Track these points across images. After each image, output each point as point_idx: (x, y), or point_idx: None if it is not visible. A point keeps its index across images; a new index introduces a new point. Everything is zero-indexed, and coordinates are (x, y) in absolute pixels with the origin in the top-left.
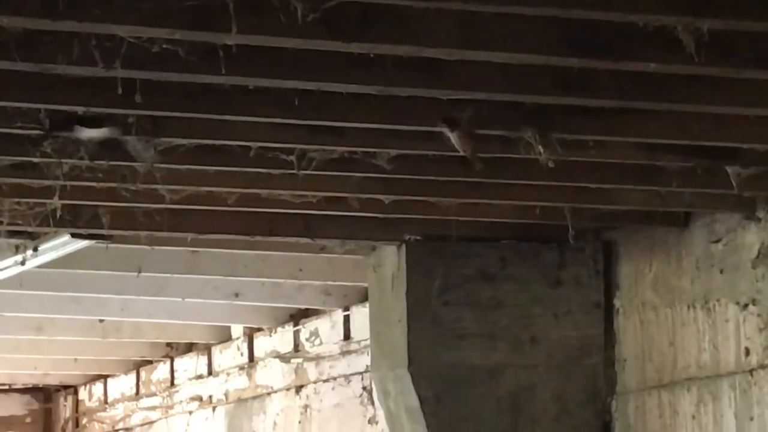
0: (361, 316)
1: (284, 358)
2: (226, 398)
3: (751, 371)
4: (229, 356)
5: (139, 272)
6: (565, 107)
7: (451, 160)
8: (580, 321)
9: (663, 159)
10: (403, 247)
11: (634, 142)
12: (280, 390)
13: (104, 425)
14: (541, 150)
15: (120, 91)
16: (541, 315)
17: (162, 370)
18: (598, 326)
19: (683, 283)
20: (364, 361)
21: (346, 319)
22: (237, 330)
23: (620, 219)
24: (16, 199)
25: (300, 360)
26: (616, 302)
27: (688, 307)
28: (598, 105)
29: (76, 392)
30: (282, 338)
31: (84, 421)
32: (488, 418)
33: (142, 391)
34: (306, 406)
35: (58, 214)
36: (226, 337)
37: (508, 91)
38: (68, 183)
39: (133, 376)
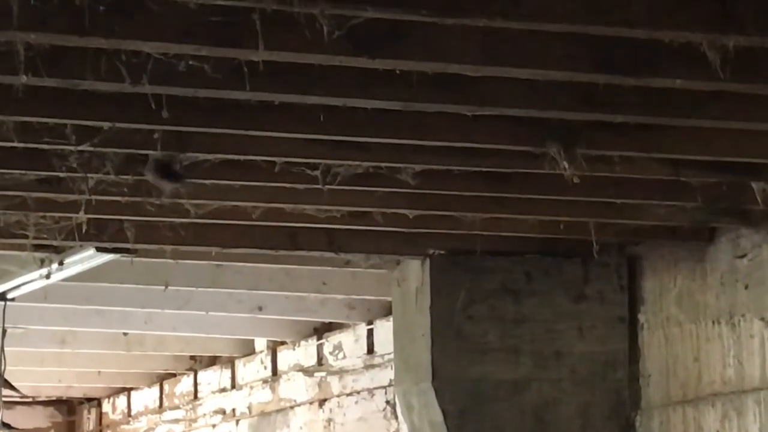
0: (384, 330)
1: (308, 372)
2: (250, 411)
3: None
4: (252, 369)
5: (167, 286)
6: (590, 123)
7: (475, 175)
8: (605, 336)
9: (687, 174)
10: (427, 261)
11: (659, 157)
12: (304, 403)
13: None
14: (566, 165)
15: (152, 106)
16: (566, 330)
17: (185, 383)
18: (622, 341)
19: (708, 299)
20: (387, 375)
21: (370, 333)
22: (260, 343)
23: (645, 234)
24: (42, 213)
25: (323, 373)
26: (641, 317)
27: (713, 323)
28: (623, 121)
29: (99, 405)
30: (305, 352)
31: None
32: (512, 431)
33: (166, 404)
34: (329, 420)
35: (84, 228)
36: (249, 350)
37: (533, 107)
38: (93, 197)
39: (156, 388)
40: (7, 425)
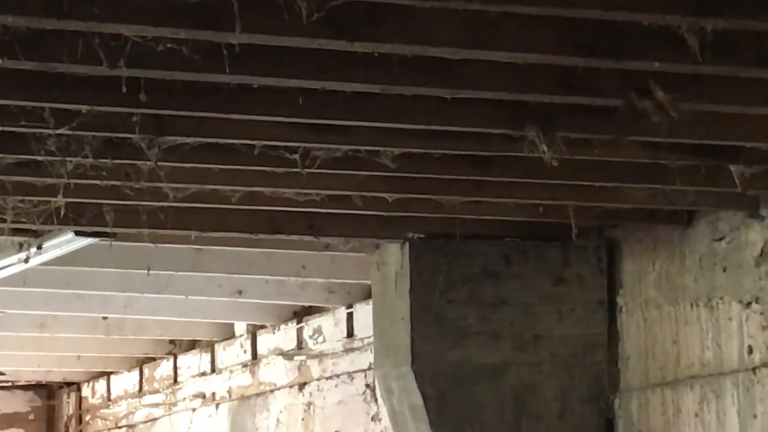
0: (364, 313)
1: (287, 356)
2: (230, 395)
3: (754, 369)
4: (232, 353)
5: (149, 271)
6: (569, 106)
7: (454, 159)
8: (584, 319)
9: (667, 157)
10: (407, 245)
11: (638, 140)
12: (284, 387)
13: (107, 422)
14: (545, 148)
15: (124, 89)
16: (545, 313)
17: (165, 368)
18: (601, 324)
19: (686, 281)
20: (367, 358)
21: (350, 316)
22: (240, 327)
23: (624, 217)
24: (21, 197)
25: (303, 357)
26: (620, 300)
27: (692, 305)
28: (602, 104)
29: (79, 389)
30: (285, 335)
31: (87, 418)
32: (492, 415)
33: (146, 388)
34: (309, 404)
35: (62, 211)
36: (229, 334)
37: (513, 90)
38: (72, 181)
39: (136, 373)
40: None
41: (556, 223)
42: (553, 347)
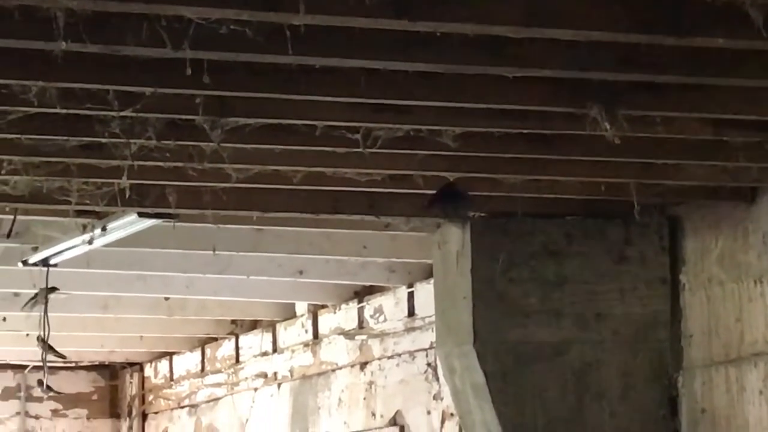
0: (425, 292)
1: (349, 335)
2: (291, 375)
3: None
4: (293, 333)
5: (214, 251)
6: (632, 83)
7: (516, 137)
8: (646, 297)
9: (729, 134)
10: (468, 224)
11: (700, 117)
12: (345, 366)
13: (170, 402)
14: (608, 126)
15: (188, 71)
16: (607, 291)
17: (227, 347)
18: (664, 302)
19: (750, 258)
20: (428, 337)
21: (411, 296)
22: (301, 307)
23: (686, 194)
24: (85, 179)
25: (364, 337)
26: (682, 278)
27: (755, 283)
28: (665, 81)
29: (141, 369)
30: (346, 315)
31: (150, 397)
32: (554, 393)
33: (207, 368)
34: (371, 383)
35: (126, 193)
36: (290, 314)
37: (575, 68)
38: (136, 163)
39: (198, 353)
40: (49, 388)
41: (617, 200)
42: (614, 325)
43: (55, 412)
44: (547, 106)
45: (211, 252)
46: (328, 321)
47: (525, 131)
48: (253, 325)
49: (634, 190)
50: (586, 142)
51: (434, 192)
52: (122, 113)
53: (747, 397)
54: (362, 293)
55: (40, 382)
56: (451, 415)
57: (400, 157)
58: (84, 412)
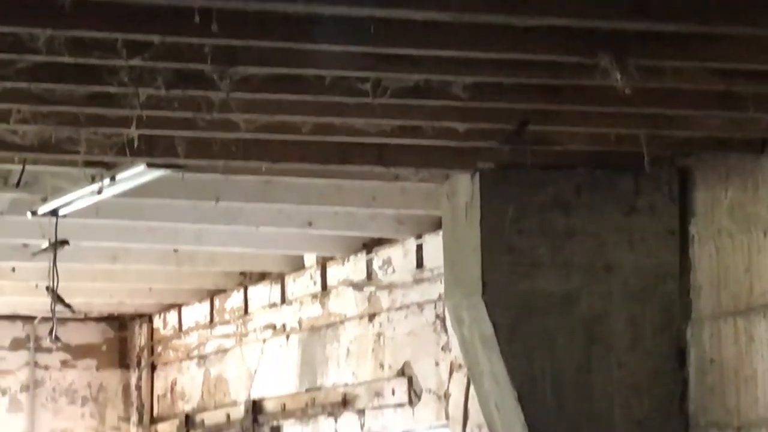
0: (433, 244)
1: (357, 287)
2: (300, 326)
3: None
4: (302, 285)
5: (218, 201)
6: (642, 33)
7: (526, 88)
8: (655, 248)
9: (740, 84)
10: (477, 175)
11: (712, 67)
12: (353, 318)
13: (179, 353)
14: (618, 76)
15: (197, 20)
16: (616, 243)
17: (236, 299)
18: (673, 253)
19: (759, 210)
20: (437, 289)
21: (419, 247)
22: (310, 259)
23: (696, 146)
24: (93, 129)
25: (373, 288)
26: (692, 229)
27: (765, 234)
28: (676, 30)
29: (150, 321)
30: (355, 267)
31: (159, 349)
32: (562, 345)
33: (216, 319)
34: (379, 334)
35: (135, 143)
36: (299, 265)
37: (585, 16)
38: (145, 113)
39: (207, 304)
40: (58, 338)
41: (627, 152)
42: (624, 277)
43: (64, 363)
44: (557, 56)
45: (220, 203)
46: (336, 273)
47: (535, 82)
48: (262, 276)
49: (644, 141)
50: (597, 93)
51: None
52: (131, 62)
53: (755, 348)
54: (371, 245)
55: (49, 333)
56: (460, 366)
57: (410, 107)
58: (93, 362)
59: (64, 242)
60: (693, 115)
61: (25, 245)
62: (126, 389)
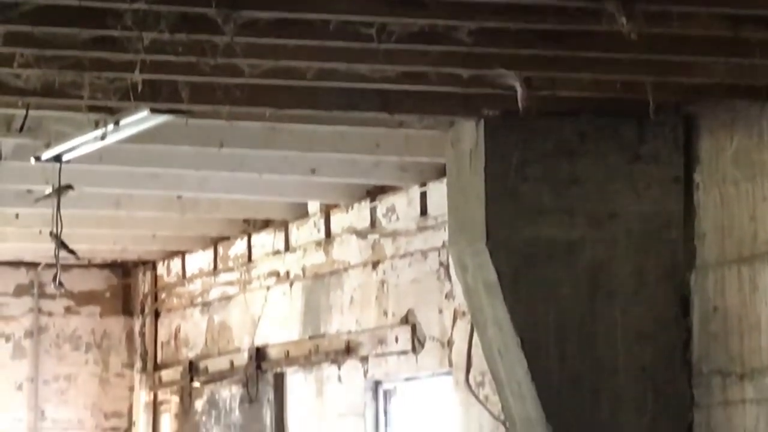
0: (437, 192)
1: (361, 234)
2: (304, 274)
3: None
4: (306, 232)
5: (221, 147)
6: None
7: (531, 34)
8: (660, 196)
9: (747, 31)
10: (482, 122)
11: (718, 13)
12: (357, 266)
13: (182, 300)
14: (624, 21)
15: None
16: (620, 190)
17: (239, 246)
18: (677, 201)
19: (765, 158)
20: (441, 236)
21: (423, 195)
22: (314, 206)
23: (702, 92)
24: (97, 73)
25: (377, 236)
26: (696, 177)
27: None
28: None
29: (154, 267)
30: (359, 214)
31: (162, 296)
32: (566, 292)
33: (220, 266)
34: (383, 282)
35: (138, 88)
36: (303, 213)
37: None
38: (148, 57)
39: (210, 251)
40: (61, 284)
41: (632, 99)
42: (628, 224)
43: (67, 310)
44: (563, 1)
45: (224, 150)
46: (340, 220)
47: (540, 27)
48: (266, 224)
49: (650, 88)
50: (602, 39)
51: None
52: (134, 5)
53: (759, 296)
54: (374, 192)
55: (53, 279)
56: (463, 313)
57: (415, 53)
58: (97, 309)
59: (68, 187)
60: (699, 61)
61: (29, 191)
62: (129, 336)
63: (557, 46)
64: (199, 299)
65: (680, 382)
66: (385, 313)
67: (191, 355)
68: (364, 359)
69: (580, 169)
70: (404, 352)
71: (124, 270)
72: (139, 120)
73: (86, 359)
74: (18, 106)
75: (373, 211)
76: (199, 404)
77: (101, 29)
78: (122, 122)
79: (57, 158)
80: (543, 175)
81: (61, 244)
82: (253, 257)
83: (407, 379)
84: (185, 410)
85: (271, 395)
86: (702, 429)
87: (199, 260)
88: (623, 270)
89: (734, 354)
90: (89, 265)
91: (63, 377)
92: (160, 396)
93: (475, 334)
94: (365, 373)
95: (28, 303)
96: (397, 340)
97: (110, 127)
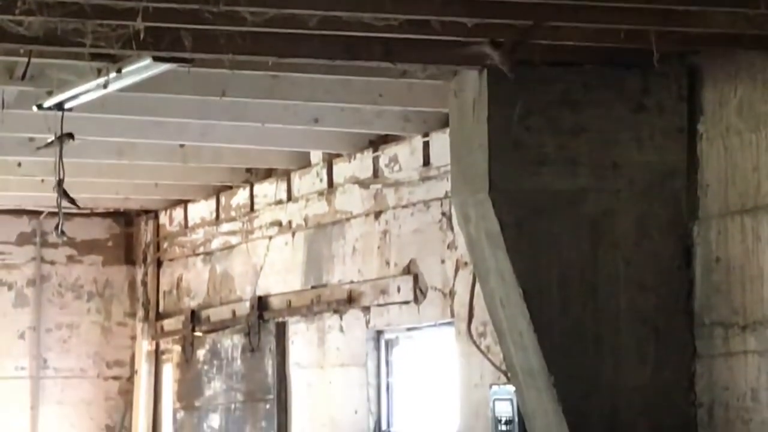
0: (440, 142)
1: (363, 184)
2: (306, 223)
3: None
4: (308, 182)
5: (224, 96)
6: None
7: None
8: (663, 146)
9: None
10: (485, 71)
11: None
12: (360, 216)
13: (185, 249)
14: None
15: None
16: (624, 140)
17: (242, 196)
18: (681, 152)
19: None
20: (443, 186)
21: (426, 145)
22: (316, 156)
23: (707, 42)
24: (99, 21)
25: (379, 186)
26: (700, 127)
27: None
28: None
29: (156, 217)
30: (361, 164)
31: (165, 245)
32: (569, 243)
33: (222, 216)
34: (385, 232)
35: (141, 36)
36: (305, 162)
37: None
38: (151, 4)
39: (213, 201)
40: (63, 233)
41: (636, 49)
42: (631, 175)
43: (70, 258)
44: None
45: (227, 99)
46: (342, 170)
47: None
48: (268, 173)
49: (654, 37)
50: None
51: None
52: None
53: (762, 247)
54: (377, 142)
55: (55, 228)
56: (465, 263)
57: (418, 1)
58: (99, 258)
59: (70, 135)
60: (704, 10)
61: (31, 139)
62: (132, 285)
63: None
64: (202, 249)
65: (682, 333)
66: (387, 263)
67: (193, 304)
68: (366, 309)
69: (583, 119)
70: (406, 302)
71: (126, 219)
72: (142, 68)
73: (88, 308)
74: (20, 54)
75: (375, 160)
76: (200, 353)
77: None
78: (125, 70)
79: (59, 106)
80: (546, 125)
81: (63, 193)
82: (255, 207)
83: (409, 329)
84: (187, 359)
85: (272, 345)
86: (704, 379)
87: (202, 210)
88: (626, 221)
89: (736, 305)
90: (92, 214)
91: (65, 326)
92: (162, 345)
93: (477, 285)
94: (367, 323)
95: (31, 252)
96: (399, 290)
97: (112, 75)
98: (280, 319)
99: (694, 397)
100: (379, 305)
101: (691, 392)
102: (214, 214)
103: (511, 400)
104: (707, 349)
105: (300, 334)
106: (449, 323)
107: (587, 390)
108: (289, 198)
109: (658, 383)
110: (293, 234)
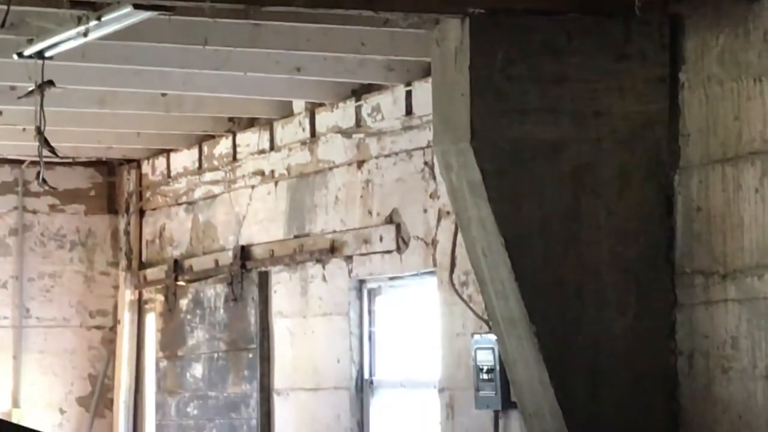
0: (423, 91)
1: (346, 134)
2: (288, 173)
3: None
4: (290, 131)
5: (205, 44)
6: None
7: None
8: (645, 95)
9: None
10: (467, 20)
11: None
12: (342, 165)
13: (167, 199)
14: None
15: None
16: (606, 89)
17: (224, 145)
18: (662, 100)
19: (750, 57)
20: (426, 136)
21: (408, 94)
22: (299, 105)
23: None
24: None
25: (362, 135)
26: (682, 76)
27: (755, 81)
28: None
29: (139, 166)
30: (344, 113)
31: (147, 194)
32: (550, 192)
33: (205, 165)
34: (368, 181)
35: None
36: (287, 111)
37: None
38: None
39: (195, 150)
40: (45, 181)
41: None
42: (613, 124)
43: (52, 207)
44: None
45: (209, 47)
46: (325, 119)
47: None
48: (251, 122)
49: None
50: None
51: None
52: None
53: (743, 195)
54: (360, 91)
55: (37, 176)
56: (448, 213)
57: None
58: (81, 207)
59: (50, 83)
60: None
61: (12, 88)
62: (114, 234)
63: None
64: (184, 198)
65: (663, 282)
66: (370, 213)
67: (176, 253)
68: (349, 258)
69: (565, 68)
70: (388, 252)
71: (108, 168)
72: (122, 16)
73: (71, 257)
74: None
75: (358, 110)
76: (183, 303)
77: None
78: (105, 18)
79: (40, 54)
80: (528, 74)
81: (44, 142)
82: (238, 156)
83: (391, 279)
84: (170, 309)
85: (255, 294)
86: (684, 328)
87: (184, 159)
88: (607, 170)
89: (717, 254)
90: (74, 163)
91: (48, 275)
92: (145, 295)
93: (460, 234)
94: (350, 272)
95: (13, 201)
96: (381, 239)
97: (93, 23)
98: (263, 269)
99: (675, 345)
100: (362, 254)
101: (672, 341)
102: (197, 164)
103: (492, 349)
104: (688, 298)
105: (283, 284)
106: (431, 272)
107: (568, 338)
108: (272, 147)
109: (639, 332)
110: (276, 183)
